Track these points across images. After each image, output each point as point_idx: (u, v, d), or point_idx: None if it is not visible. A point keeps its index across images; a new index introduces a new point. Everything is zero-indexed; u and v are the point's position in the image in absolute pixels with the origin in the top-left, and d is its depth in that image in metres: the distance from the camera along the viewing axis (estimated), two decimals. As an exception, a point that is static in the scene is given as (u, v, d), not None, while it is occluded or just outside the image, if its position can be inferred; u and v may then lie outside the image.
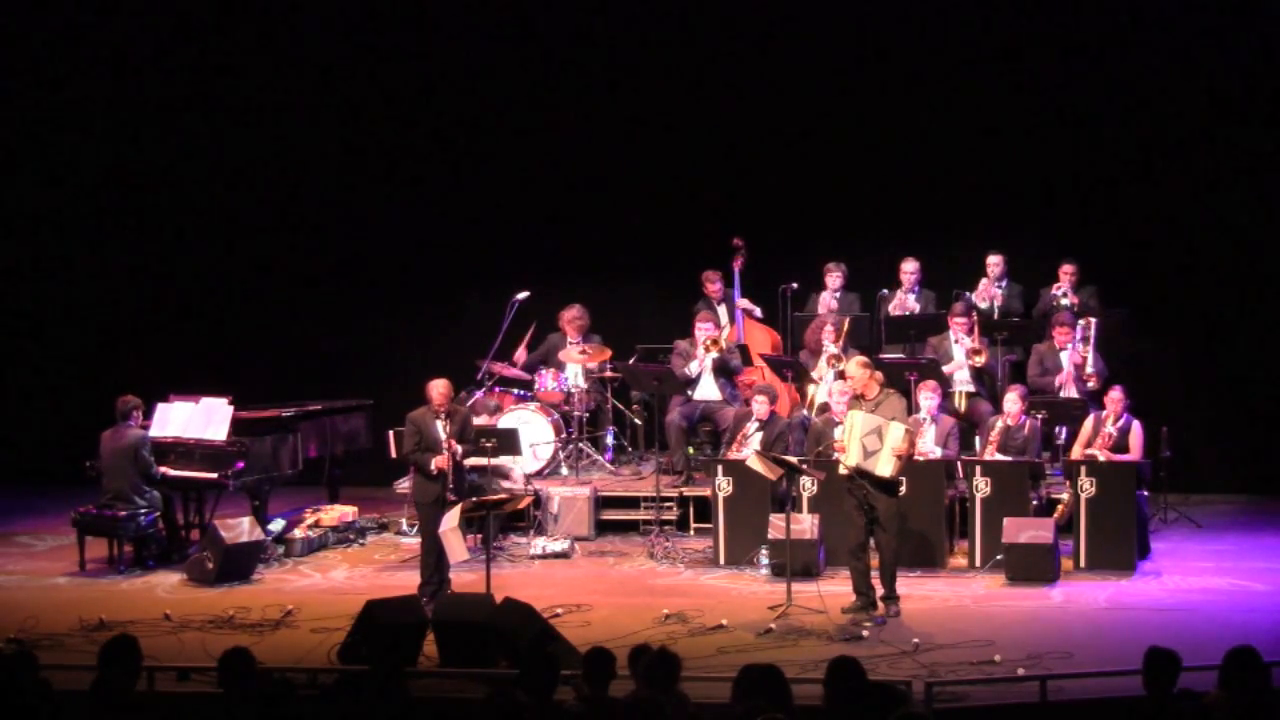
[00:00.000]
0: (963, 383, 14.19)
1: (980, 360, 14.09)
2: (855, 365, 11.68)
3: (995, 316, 14.69)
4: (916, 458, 12.47)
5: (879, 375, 11.73)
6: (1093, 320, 14.08)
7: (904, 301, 14.99)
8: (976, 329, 14.17)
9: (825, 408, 13.54)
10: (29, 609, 11.69)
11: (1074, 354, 13.98)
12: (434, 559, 11.96)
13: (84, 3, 16.65)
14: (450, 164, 16.45)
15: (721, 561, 13.06)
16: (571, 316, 14.96)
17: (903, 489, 11.68)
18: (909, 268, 15.02)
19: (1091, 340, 13.97)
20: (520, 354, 15.05)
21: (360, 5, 16.45)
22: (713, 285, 15.20)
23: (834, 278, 15.11)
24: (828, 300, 15.11)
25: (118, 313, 16.81)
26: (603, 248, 16.02)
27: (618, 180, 16.12)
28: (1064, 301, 14.69)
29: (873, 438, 11.30)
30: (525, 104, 16.28)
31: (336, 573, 13.14)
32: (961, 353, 14.29)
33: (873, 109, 15.71)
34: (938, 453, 13.09)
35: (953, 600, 11.96)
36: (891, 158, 15.66)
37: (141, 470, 13.08)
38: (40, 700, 7.62)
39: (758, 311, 15.38)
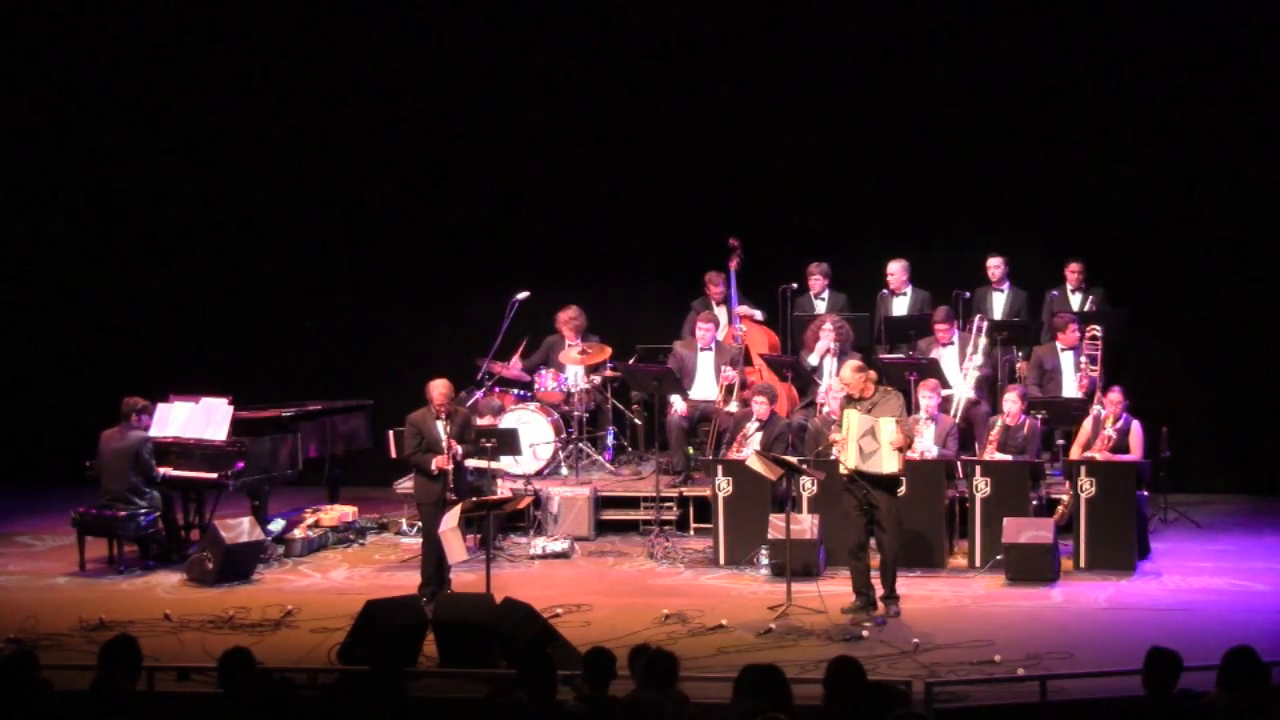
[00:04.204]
0: (957, 385, 14.15)
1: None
2: (849, 371, 11.66)
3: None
4: (913, 456, 12.49)
5: (872, 374, 11.75)
6: (1099, 336, 13.98)
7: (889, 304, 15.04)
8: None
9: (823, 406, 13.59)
10: (29, 609, 11.70)
11: (1083, 376, 13.94)
12: (435, 559, 11.95)
13: (90, 3, 16.66)
14: (450, 164, 16.44)
15: (721, 561, 13.06)
16: (568, 318, 14.96)
17: (902, 489, 11.68)
18: (894, 268, 15.01)
19: (1099, 358, 13.92)
20: (515, 362, 15.02)
21: (360, 6, 16.44)
22: (715, 287, 15.20)
23: (815, 281, 15.10)
24: (814, 303, 15.12)
25: (118, 313, 16.81)
26: (603, 248, 16.02)
27: (617, 180, 16.12)
28: (1073, 300, 14.71)
29: (868, 439, 11.32)
30: (525, 104, 16.27)
31: (336, 573, 13.14)
32: (951, 356, 14.29)
33: (872, 108, 15.70)
34: (934, 452, 13.09)
35: (953, 600, 11.96)
36: (892, 157, 15.65)
37: (143, 472, 13.07)
38: (40, 700, 7.62)
39: (758, 315, 15.37)
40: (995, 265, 14.94)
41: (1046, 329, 14.62)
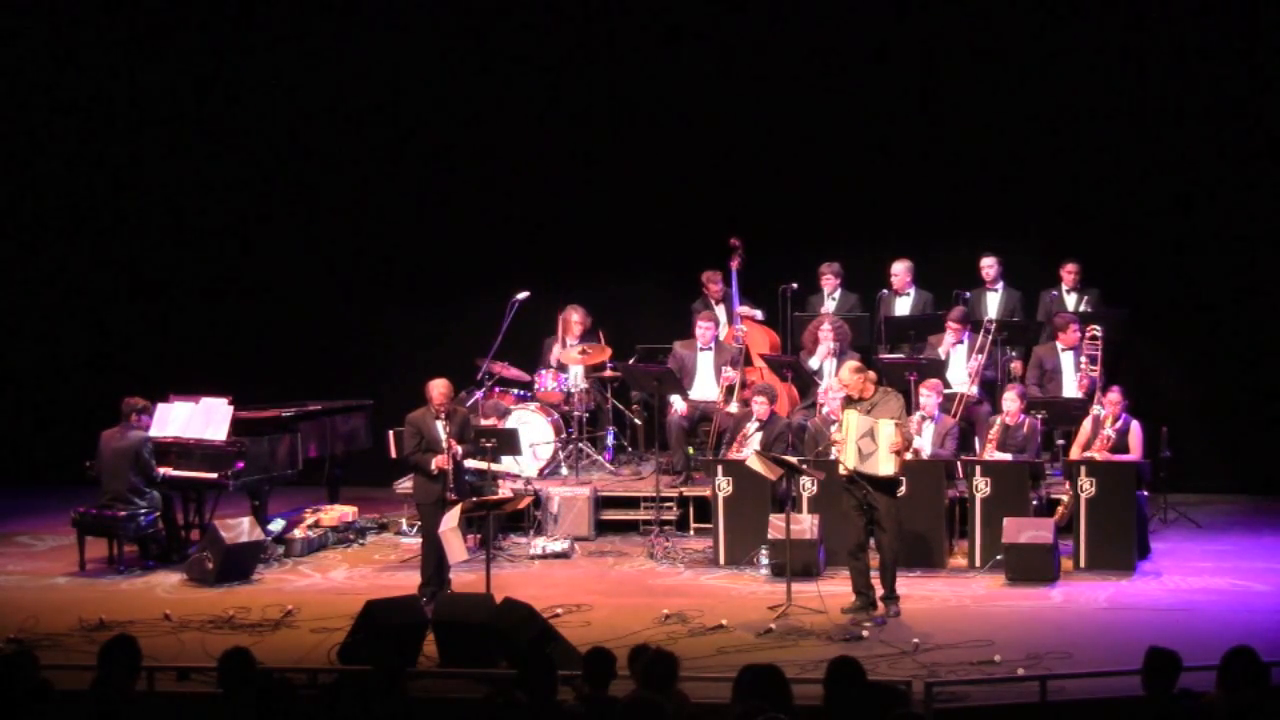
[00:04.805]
0: (960, 384, 14.16)
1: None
2: (848, 372, 11.66)
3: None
4: (910, 456, 12.49)
5: (872, 375, 11.75)
6: (1099, 337, 13.96)
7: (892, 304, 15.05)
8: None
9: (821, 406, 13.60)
10: (29, 609, 11.70)
11: (1083, 376, 13.93)
12: (435, 559, 11.95)
13: (86, 2, 16.66)
14: (450, 164, 16.44)
15: (721, 561, 13.06)
16: (579, 318, 14.94)
17: (903, 489, 11.69)
18: (898, 269, 15.01)
19: (1099, 359, 13.91)
20: (558, 351, 15.02)
21: (361, 7, 16.44)
22: (714, 285, 15.20)
23: (827, 280, 15.10)
24: (826, 302, 15.13)
25: (118, 313, 16.81)
26: (603, 248, 16.02)
27: (617, 180, 16.12)
28: (1068, 300, 14.73)
29: (867, 440, 11.34)
30: (526, 104, 16.28)
31: (336, 573, 13.14)
32: (960, 356, 14.29)
33: (872, 108, 15.70)
34: (927, 451, 13.08)
35: (953, 600, 11.96)
36: (892, 157, 15.66)
37: (142, 472, 13.07)
38: (40, 700, 7.62)
39: (758, 315, 15.37)
40: (989, 265, 14.95)
41: (1047, 329, 14.62)
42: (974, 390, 14.10)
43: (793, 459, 12.27)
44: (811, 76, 15.76)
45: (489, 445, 12.90)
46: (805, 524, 12.53)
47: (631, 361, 15.01)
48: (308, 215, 16.63)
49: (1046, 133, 15.46)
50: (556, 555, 13.50)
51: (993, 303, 14.91)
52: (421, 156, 16.50)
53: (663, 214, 15.90)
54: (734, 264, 15.24)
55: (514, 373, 15.07)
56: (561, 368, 14.99)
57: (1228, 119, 15.20)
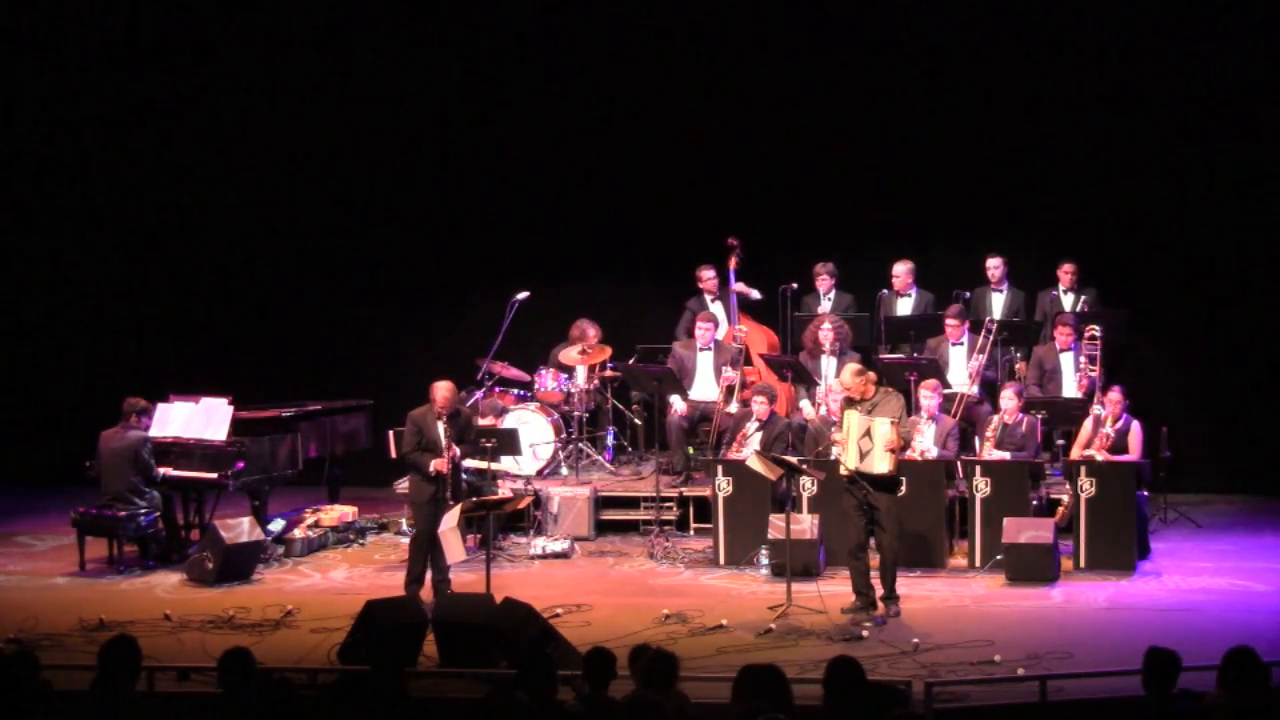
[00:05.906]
0: (960, 384, 14.15)
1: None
2: (849, 374, 11.66)
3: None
4: (913, 456, 12.50)
5: (872, 376, 11.75)
6: (1099, 337, 13.93)
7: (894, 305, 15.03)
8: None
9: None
10: (29, 609, 11.70)
11: (1082, 376, 13.92)
12: (423, 555, 11.96)
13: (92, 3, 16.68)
14: (451, 163, 16.45)
15: (721, 561, 13.06)
16: (596, 334, 14.90)
17: (902, 489, 11.69)
18: (899, 270, 15.00)
19: (1098, 359, 13.89)
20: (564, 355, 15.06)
21: (360, 7, 16.44)
22: (707, 274, 15.16)
23: (822, 281, 15.08)
24: (822, 302, 15.12)
25: (118, 313, 16.81)
26: (602, 248, 16.02)
27: (617, 180, 16.12)
28: (1065, 300, 14.73)
29: (866, 439, 11.36)
30: (525, 104, 16.28)
31: (336, 573, 13.14)
32: (959, 355, 14.29)
33: (872, 108, 15.70)
34: (934, 452, 13.09)
35: (953, 600, 11.96)
36: (892, 157, 15.65)
37: (142, 472, 13.07)
38: (40, 700, 7.62)
39: (755, 294, 15.29)
40: (994, 266, 14.94)
41: (1047, 329, 14.62)
42: (974, 390, 14.09)
43: (793, 459, 12.27)
44: (811, 76, 15.75)
45: (489, 445, 12.90)
46: (805, 524, 12.53)
47: (631, 361, 15.02)
48: (307, 215, 16.61)
49: (1046, 133, 15.45)
50: (556, 555, 13.50)
51: (997, 303, 14.90)
52: (421, 156, 16.50)
53: (662, 214, 15.90)
54: (731, 263, 15.23)
55: (514, 373, 15.07)
56: (564, 368, 15.00)
57: (1227, 118, 15.19)
